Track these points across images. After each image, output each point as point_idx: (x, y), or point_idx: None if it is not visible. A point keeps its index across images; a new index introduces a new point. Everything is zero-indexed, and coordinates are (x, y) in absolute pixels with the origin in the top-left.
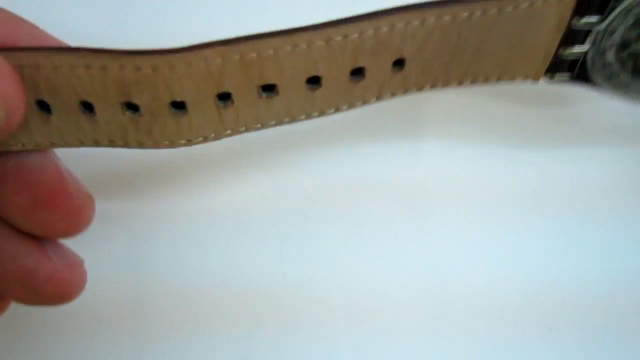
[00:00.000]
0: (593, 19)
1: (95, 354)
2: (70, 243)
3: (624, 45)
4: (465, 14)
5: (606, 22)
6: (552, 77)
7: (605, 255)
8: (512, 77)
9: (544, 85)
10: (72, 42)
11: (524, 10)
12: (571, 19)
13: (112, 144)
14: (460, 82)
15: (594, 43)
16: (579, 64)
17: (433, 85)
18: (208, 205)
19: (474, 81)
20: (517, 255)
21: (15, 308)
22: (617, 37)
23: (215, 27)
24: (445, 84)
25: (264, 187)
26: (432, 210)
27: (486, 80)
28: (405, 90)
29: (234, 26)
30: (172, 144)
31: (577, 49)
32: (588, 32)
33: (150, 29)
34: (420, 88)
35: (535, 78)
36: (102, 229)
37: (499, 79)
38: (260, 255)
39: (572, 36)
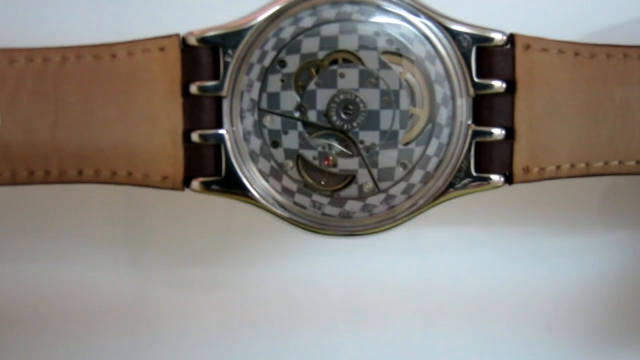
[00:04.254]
0: (210, 82)
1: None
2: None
3: None
4: (58, 59)
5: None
6: (196, 187)
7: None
8: (145, 174)
9: None
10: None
11: (123, 60)
12: (185, 83)
13: None
14: (80, 172)
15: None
16: (224, 161)
17: (47, 173)
18: None
19: (98, 173)
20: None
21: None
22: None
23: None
24: (61, 173)
25: None
26: None
27: (114, 175)
28: (13, 172)
29: None
30: None
31: (210, 131)
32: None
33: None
34: (30, 173)
35: (176, 182)
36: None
37: (130, 175)
38: None
39: (196, 111)
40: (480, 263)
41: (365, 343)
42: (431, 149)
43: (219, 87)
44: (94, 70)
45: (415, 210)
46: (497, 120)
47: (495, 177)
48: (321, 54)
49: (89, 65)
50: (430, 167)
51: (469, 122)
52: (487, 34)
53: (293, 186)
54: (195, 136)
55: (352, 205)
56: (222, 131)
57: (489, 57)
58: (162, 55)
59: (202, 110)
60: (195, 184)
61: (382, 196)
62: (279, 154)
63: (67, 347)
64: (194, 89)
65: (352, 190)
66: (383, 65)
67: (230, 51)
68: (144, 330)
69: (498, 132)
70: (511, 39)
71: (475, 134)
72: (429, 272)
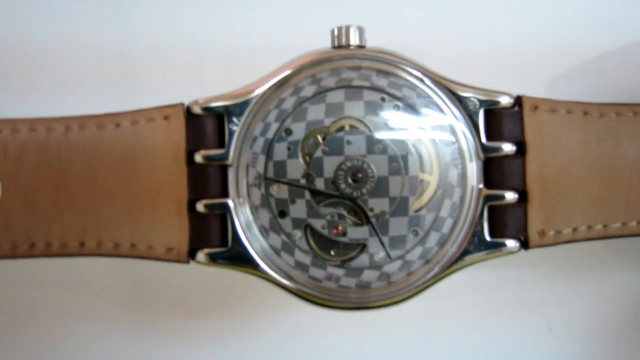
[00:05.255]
0: (215, 151)
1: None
2: None
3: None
4: (61, 128)
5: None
6: (201, 259)
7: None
8: (149, 245)
9: None
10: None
11: (127, 129)
12: (190, 151)
13: None
14: (82, 244)
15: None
16: (230, 231)
17: (48, 245)
18: None
19: (101, 244)
20: None
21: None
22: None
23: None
24: (62, 245)
25: None
26: None
27: (117, 246)
28: (13, 244)
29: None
30: None
31: (215, 201)
32: (224, 172)
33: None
34: (31, 245)
35: (181, 254)
36: None
37: (134, 247)
38: None
39: (202, 180)
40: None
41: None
42: (444, 211)
43: (225, 156)
44: (98, 140)
45: (432, 278)
46: (509, 183)
47: (510, 243)
48: (327, 121)
49: (93, 135)
50: (446, 229)
51: (480, 185)
52: (494, 97)
53: (306, 260)
54: (200, 206)
55: (369, 275)
56: (227, 201)
57: (498, 120)
58: (167, 124)
59: (207, 180)
60: (201, 256)
61: (399, 263)
62: (286, 224)
63: None
64: (199, 157)
65: (363, 260)
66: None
67: (235, 119)
68: None
69: (511, 196)
70: (518, 100)
71: (488, 198)
72: None
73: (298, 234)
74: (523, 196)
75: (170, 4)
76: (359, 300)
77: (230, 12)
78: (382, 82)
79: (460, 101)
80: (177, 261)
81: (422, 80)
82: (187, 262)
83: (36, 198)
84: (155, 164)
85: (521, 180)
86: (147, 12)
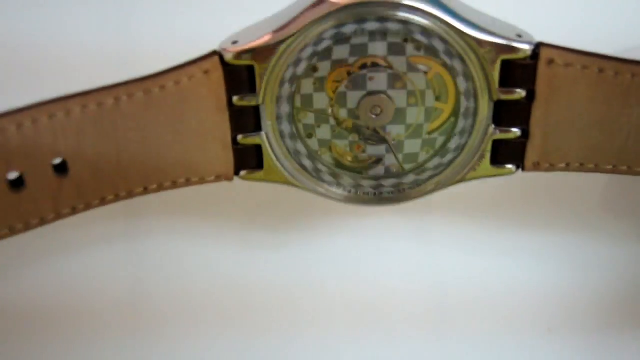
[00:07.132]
0: (250, 95)
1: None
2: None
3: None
4: (111, 101)
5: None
6: (243, 175)
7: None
8: (201, 177)
9: None
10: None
11: (172, 90)
12: (229, 98)
13: None
14: (145, 189)
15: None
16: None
17: (117, 195)
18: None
19: (161, 185)
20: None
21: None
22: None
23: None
24: (129, 193)
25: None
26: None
27: (174, 183)
28: (87, 203)
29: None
30: None
31: (254, 139)
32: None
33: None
34: (102, 199)
35: (228, 177)
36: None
37: (189, 180)
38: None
39: (240, 119)
40: (483, 263)
41: (365, 346)
42: (453, 143)
43: (258, 99)
44: (147, 104)
45: (440, 188)
46: (514, 123)
47: (509, 165)
48: (351, 60)
49: (141, 101)
50: (449, 158)
51: (490, 123)
52: (512, 44)
53: (324, 169)
54: (240, 138)
55: (384, 182)
56: (262, 133)
57: (512, 70)
58: (207, 78)
59: (245, 118)
60: (243, 173)
61: (410, 177)
62: (313, 143)
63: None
64: (236, 101)
65: (379, 170)
66: (411, 68)
67: (265, 64)
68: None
69: (515, 132)
70: (536, 51)
71: (494, 132)
72: (432, 270)
73: (322, 150)
74: (524, 135)
75: (169, 4)
76: (376, 199)
77: (230, 11)
78: (409, 27)
79: (479, 44)
80: (226, 179)
81: (446, 23)
82: (232, 180)
83: (101, 166)
84: (201, 114)
85: (525, 122)
86: (148, 12)
